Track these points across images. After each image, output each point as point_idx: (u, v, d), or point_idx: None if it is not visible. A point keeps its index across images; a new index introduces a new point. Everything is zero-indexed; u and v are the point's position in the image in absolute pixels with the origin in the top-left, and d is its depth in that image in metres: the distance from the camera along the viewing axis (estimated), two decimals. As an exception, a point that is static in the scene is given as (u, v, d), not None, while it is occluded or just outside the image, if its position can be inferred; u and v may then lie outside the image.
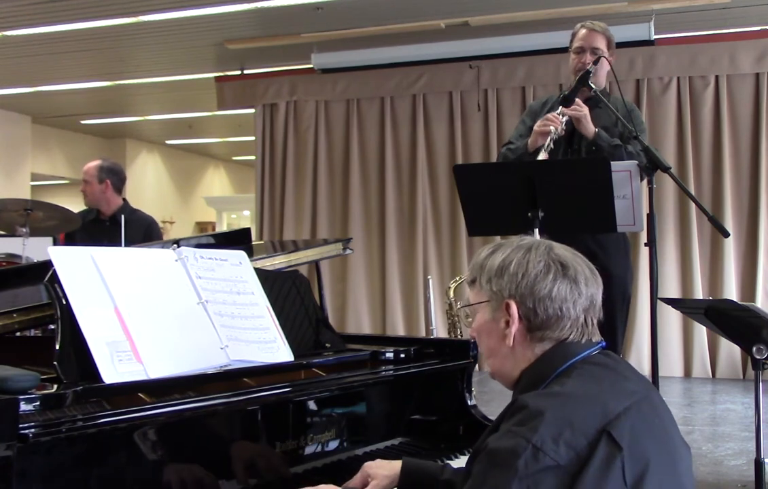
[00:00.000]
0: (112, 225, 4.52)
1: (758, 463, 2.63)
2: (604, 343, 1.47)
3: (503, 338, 1.45)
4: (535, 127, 3.26)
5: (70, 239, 4.74)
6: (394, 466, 1.68)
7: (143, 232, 4.62)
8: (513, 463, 1.23)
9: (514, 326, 1.43)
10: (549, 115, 3.25)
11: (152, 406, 1.58)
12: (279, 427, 1.79)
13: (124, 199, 4.82)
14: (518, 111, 7.61)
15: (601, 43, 3.39)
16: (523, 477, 1.22)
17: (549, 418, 1.26)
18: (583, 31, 3.43)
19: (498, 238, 7.58)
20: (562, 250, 1.47)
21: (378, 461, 1.73)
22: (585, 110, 3.26)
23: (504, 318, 1.44)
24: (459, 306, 1.60)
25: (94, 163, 4.80)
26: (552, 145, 3.14)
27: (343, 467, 1.91)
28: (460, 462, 2.10)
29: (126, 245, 3.78)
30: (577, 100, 3.25)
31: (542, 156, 3.10)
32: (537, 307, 1.41)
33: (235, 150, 14.91)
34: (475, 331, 1.52)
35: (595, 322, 1.46)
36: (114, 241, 4.27)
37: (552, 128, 3.17)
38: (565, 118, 3.22)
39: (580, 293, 1.42)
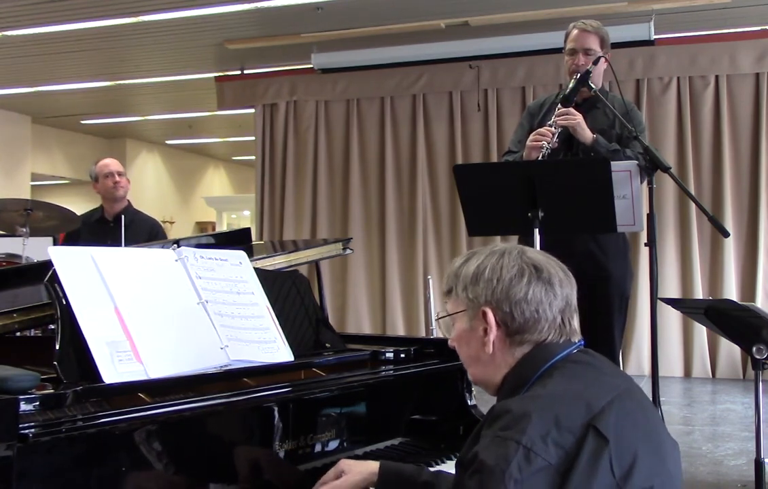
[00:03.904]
0: (116, 225, 4.53)
1: (758, 463, 2.64)
2: (582, 342, 1.48)
3: (483, 346, 1.46)
4: (528, 142, 3.25)
5: (74, 239, 4.73)
6: (370, 466, 1.68)
7: (147, 233, 4.62)
8: (506, 469, 1.23)
9: (493, 333, 1.44)
10: (541, 129, 3.22)
11: (152, 406, 1.58)
12: (279, 428, 1.79)
13: (128, 200, 4.84)
14: (518, 111, 7.61)
15: (593, 44, 3.34)
16: (517, 482, 1.22)
17: (535, 418, 1.27)
18: (575, 32, 3.38)
19: (498, 239, 7.57)
20: (535, 254, 1.49)
21: (354, 460, 1.73)
22: (578, 118, 3.22)
23: (482, 326, 1.46)
24: (437, 317, 1.61)
25: (115, 160, 4.92)
26: (544, 159, 3.13)
27: (343, 467, 1.91)
28: (460, 462, 2.11)
29: (128, 246, 3.78)
30: (570, 108, 3.22)
31: None
32: (514, 311, 1.43)
33: (235, 150, 14.91)
34: (455, 340, 1.54)
35: (573, 322, 1.47)
36: (118, 242, 4.28)
37: (543, 143, 3.15)
38: (558, 130, 3.19)
39: (555, 295, 1.44)
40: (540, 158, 3.12)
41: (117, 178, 4.69)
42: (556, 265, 1.48)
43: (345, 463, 1.71)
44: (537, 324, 1.43)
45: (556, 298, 1.44)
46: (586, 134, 3.22)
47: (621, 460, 1.26)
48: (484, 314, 1.44)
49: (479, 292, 1.45)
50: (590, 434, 1.26)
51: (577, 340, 1.47)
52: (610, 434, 1.27)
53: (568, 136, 3.30)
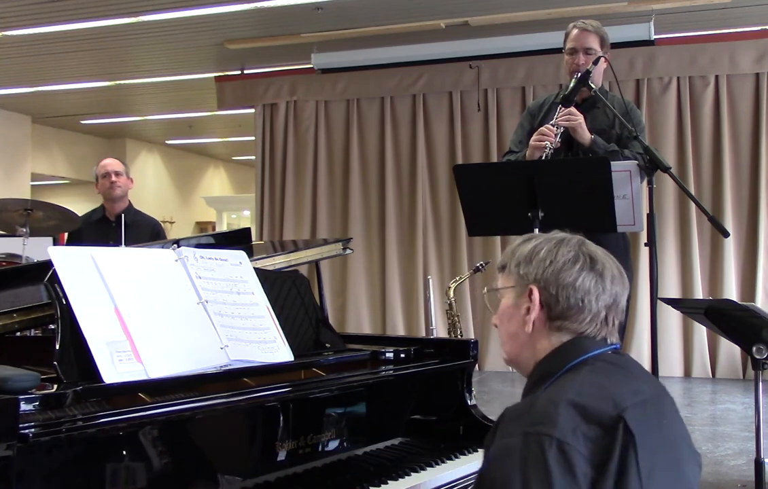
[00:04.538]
0: (117, 225, 4.54)
1: (758, 463, 2.64)
2: (618, 345, 1.48)
3: (523, 324, 1.47)
4: (531, 141, 3.25)
5: (76, 239, 4.73)
6: None
7: (149, 233, 4.63)
8: (545, 463, 1.22)
9: (534, 313, 1.45)
10: (543, 129, 3.23)
11: (152, 406, 1.58)
12: (279, 427, 1.79)
13: (129, 200, 4.84)
14: (518, 111, 7.61)
15: (593, 43, 3.36)
16: (554, 473, 1.21)
17: (563, 411, 1.26)
18: (575, 32, 3.39)
19: (498, 239, 7.45)
20: (594, 247, 1.49)
21: None
22: (580, 118, 3.23)
23: (526, 304, 1.46)
24: (485, 290, 1.61)
25: (116, 159, 4.88)
26: (545, 160, 3.14)
27: (343, 467, 1.91)
28: (460, 461, 2.11)
29: (130, 246, 3.78)
30: (572, 108, 3.23)
31: None
32: (559, 295, 1.43)
33: (235, 150, 14.91)
34: (498, 317, 1.54)
35: (616, 323, 1.47)
36: (120, 242, 4.29)
37: (547, 143, 3.16)
38: (560, 130, 3.20)
39: (605, 289, 1.44)
40: (543, 158, 3.12)
41: (113, 178, 4.68)
42: (613, 262, 1.48)
43: None
44: (580, 314, 1.42)
45: (604, 292, 1.44)
46: (585, 135, 3.23)
47: (645, 462, 1.26)
48: (530, 292, 1.45)
49: (530, 270, 1.46)
50: (620, 428, 1.26)
51: (614, 341, 1.47)
52: (636, 432, 1.26)
53: (568, 137, 3.31)
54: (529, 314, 1.45)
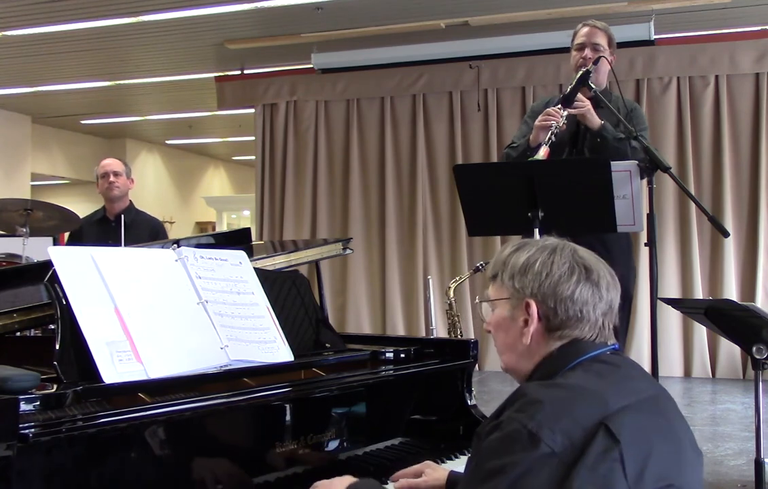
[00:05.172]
0: (117, 225, 4.55)
1: (758, 463, 2.64)
2: (617, 346, 1.49)
3: (521, 336, 1.46)
4: (536, 122, 3.27)
5: (76, 239, 4.73)
6: (442, 474, 1.77)
7: (148, 233, 4.63)
8: (510, 449, 1.24)
9: (533, 326, 1.44)
10: (549, 110, 3.25)
11: (152, 406, 1.58)
12: (279, 427, 1.79)
13: (130, 200, 4.84)
14: (518, 111, 7.61)
15: (602, 40, 3.41)
16: (516, 464, 1.23)
17: (547, 406, 1.27)
18: (584, 29, 3.46)
19: (498, 239, 7.41)
20: (587, 254, 1.49)
21: (434, 465, 1.84)
22: (587, 104, 3.27)
23: (523, 317, 1.46)
24: (477, 300, 1.60)
25: (117, 159, 4.88)
26: (553, 138, 3.13)
27: (343, 467, 1.91)
28: (460, 462, 2.10)
29: (129, 246, 3.78)
30: (579, 95, 3.25)
31: (543, 151, 3.09)
32: (558, 308, 1.43)
33: (235, 150, 14.91)
34: (492, 326, 1.54)
35: (611, 326, 1.47)
36: (119, 242, 4.29)
37: (553, 122, 3.17)
38: (566, 113, 3.21)
39: (601, 297, 1.44)
40: (548, 138, 3.12)
41: (112, 179, 4.68)
42: (605, 268, 1.49)
43: (430, 465, 1.82)
44: (579, 323, 1.43)
45: (601, 300, 1.44)
46: (594, 120, 3.27)
47: (634, 463, 1.26)
48: (528, 306, 1.44)
49: (526, 283, 1.45)
50: (601, 432, 1.25)
51: (612, 342, 1.47)
52: (622, 435, 1.26)
53: (573, 133, 3.32)
54: (527, 326, 1.45)
